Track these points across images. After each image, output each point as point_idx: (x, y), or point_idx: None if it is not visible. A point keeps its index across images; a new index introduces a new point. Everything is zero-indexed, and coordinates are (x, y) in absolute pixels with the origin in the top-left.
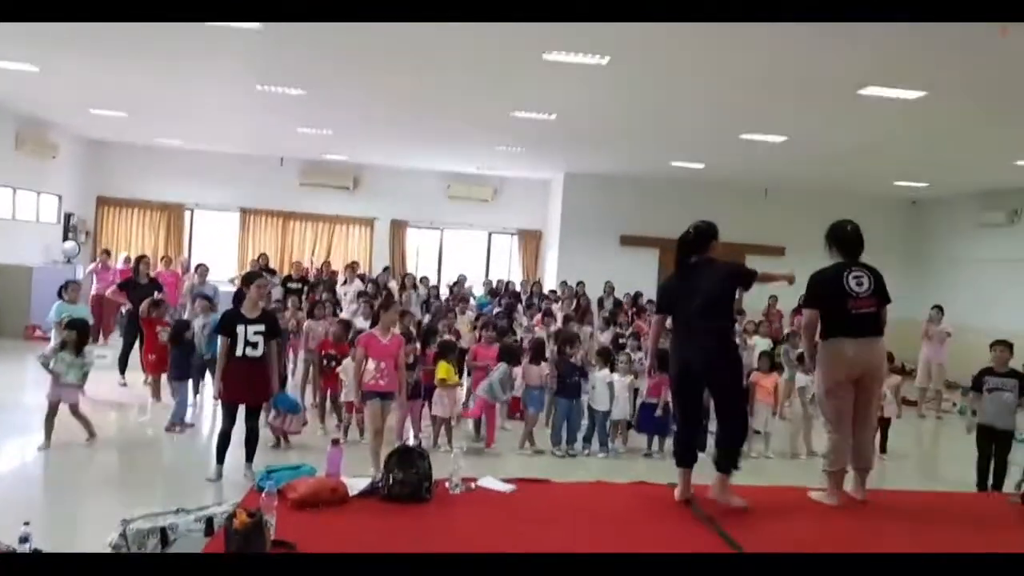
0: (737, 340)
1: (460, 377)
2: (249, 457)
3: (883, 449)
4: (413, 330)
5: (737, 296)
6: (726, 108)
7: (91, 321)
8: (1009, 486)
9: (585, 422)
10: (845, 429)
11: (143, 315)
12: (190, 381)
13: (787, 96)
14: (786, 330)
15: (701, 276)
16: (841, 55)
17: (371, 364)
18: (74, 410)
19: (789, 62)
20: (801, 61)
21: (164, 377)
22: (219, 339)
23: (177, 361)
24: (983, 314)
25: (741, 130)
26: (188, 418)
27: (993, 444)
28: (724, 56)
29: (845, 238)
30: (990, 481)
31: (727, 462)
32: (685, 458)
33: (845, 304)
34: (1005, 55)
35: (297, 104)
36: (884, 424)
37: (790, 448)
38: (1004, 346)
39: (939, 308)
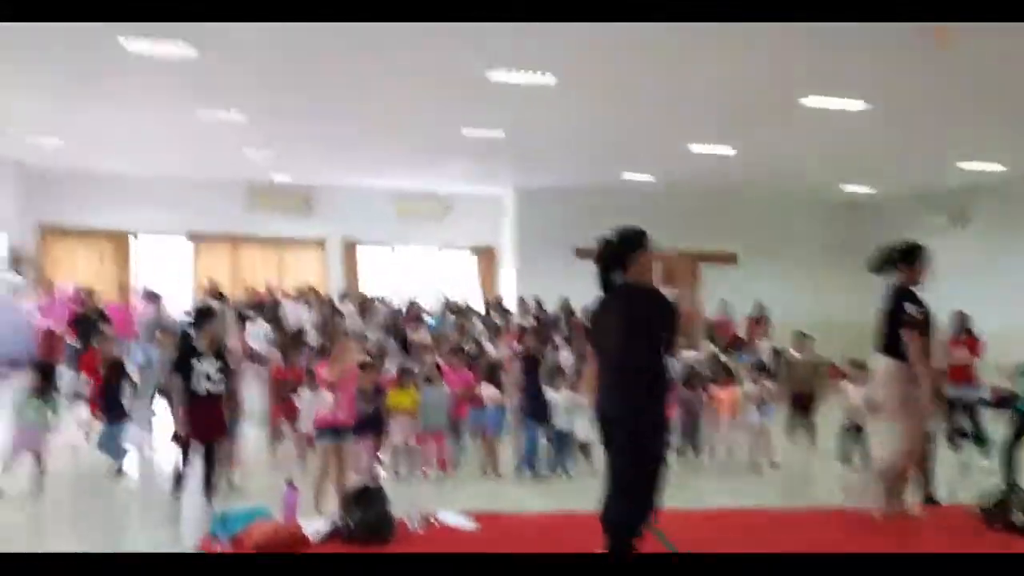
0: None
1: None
2: (208, 495)
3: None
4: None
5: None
6: (673, 122)
7: None
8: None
9: (544, 441)
10: None
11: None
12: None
13: (733, 108)
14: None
15: (621, 308)
16: (783, 67)
17: (328, 396)
18: (37, 457)
19: (734, 75)
20: (745, 74)
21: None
22: (174, 376)
23: (115, 400)
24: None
25: (689, 142)
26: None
27: None
28: (670, 72)
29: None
30: None
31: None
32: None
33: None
34: (943, 64)
35: (240, 128)
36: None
37: (750, 460)
38: None
39: None
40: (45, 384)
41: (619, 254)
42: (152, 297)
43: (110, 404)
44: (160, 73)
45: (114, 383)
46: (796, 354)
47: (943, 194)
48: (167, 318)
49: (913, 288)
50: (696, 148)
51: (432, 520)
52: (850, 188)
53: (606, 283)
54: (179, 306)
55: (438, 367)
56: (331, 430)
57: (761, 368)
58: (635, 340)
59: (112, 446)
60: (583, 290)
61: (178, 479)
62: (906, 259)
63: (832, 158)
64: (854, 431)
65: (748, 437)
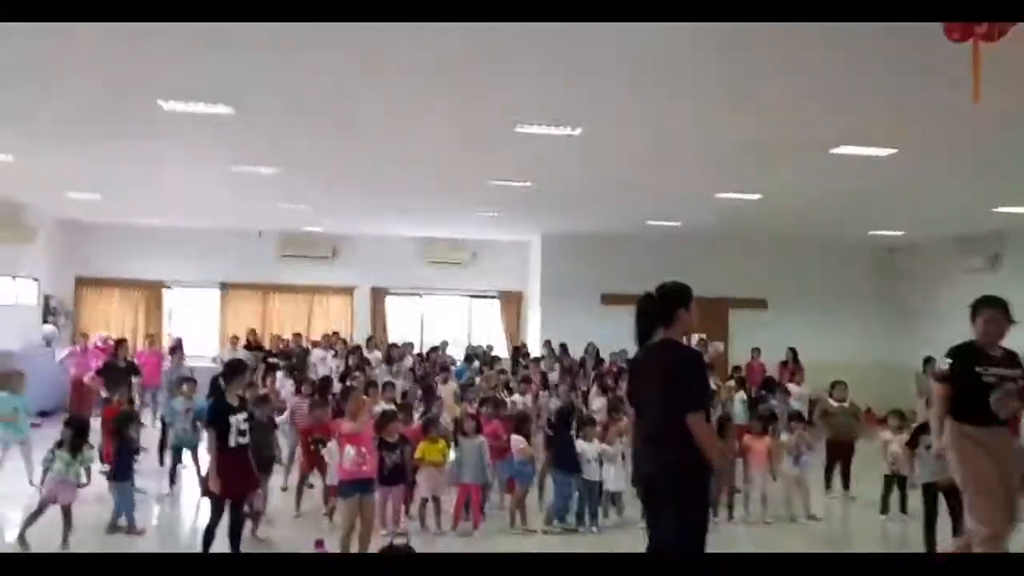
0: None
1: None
2: (235, 549)
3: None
4: (394, 404)
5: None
6: (700, 171)
7: None
8: None
9: (576, 493)
10: None
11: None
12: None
13: (761, 158)
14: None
15: (656, 367)
16: (813, 118)
17: (350, 449)
18: (66, 511)
19: (762, 126)
20: (774, 125)
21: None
22: (206, 432)
23: (120, 455)
24: None
25: (716, 190)
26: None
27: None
28: (696, 123)
29: None
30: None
31: None
32: None
33: None
34: (974, 113)
35: (272, 182)
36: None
37: (787, 512)
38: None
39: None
40: (77, 439)
41: (663, 310)
42: (177, 348)
43: (115, 458)
44: (195, 130)
45: (122, 437)
46: (833, 402)
47: (975, 237)
48: (189, 369)
49: (979, 344)
50: (723, 195)
51: None
52: (880, 233)
53: (643, 337)
54: (208, 354)
55: (474, 418)
56: (354, 483)
57: (796, 417)
58: (674, 401)
59: (120, 500)
60: (608, 335)
61: (208, 538)
62: (971, 315)
63: (861, 202)
64: (895, 481)
65: (784, 488)
